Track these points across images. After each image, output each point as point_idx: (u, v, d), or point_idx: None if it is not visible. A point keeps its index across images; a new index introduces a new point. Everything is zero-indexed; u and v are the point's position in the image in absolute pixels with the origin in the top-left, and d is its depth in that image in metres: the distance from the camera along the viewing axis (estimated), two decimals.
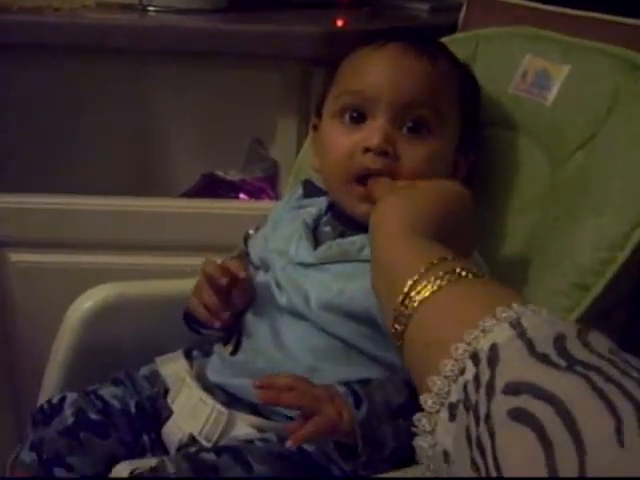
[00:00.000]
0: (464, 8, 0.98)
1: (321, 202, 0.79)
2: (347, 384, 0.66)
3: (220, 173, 1.14)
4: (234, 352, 0.77)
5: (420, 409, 0.57)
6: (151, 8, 1.08)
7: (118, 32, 1.00)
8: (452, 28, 0.98)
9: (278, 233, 0.80)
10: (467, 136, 0.77)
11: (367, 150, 0.71)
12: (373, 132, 0.71)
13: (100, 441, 0.75)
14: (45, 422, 0.77)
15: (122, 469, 0.74)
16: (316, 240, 0.76)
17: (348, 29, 1.19)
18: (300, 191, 0.83)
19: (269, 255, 0.78)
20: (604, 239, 0.65)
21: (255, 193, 1.14)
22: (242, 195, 1.14)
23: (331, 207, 0.78)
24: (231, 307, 0.76)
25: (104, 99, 1.04)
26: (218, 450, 0.68)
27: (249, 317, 0.77)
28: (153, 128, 1.15)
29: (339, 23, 1.23)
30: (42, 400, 0.81)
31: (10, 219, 1.02)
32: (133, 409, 0.78)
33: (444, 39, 0.91)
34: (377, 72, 0.72)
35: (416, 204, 0.59)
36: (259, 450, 0.67)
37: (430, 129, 0.73)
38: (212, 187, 1.15)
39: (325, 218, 0.78)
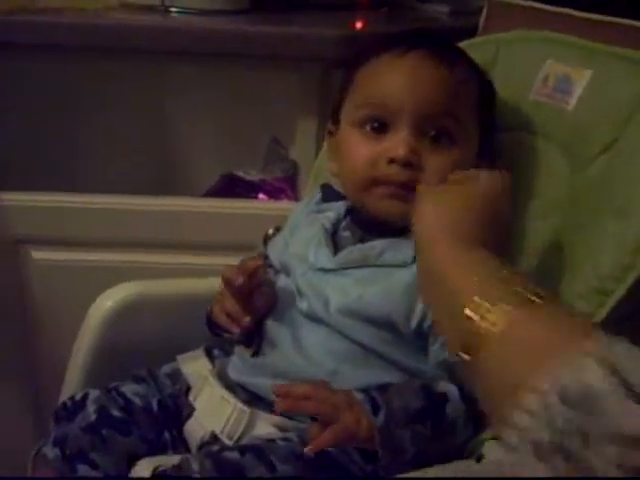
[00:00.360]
0: (484, 12, 0.98)
1: (340, 206, 0.80)
2: (365, 390, 0.67)
3: (240, 173, 1.16)
4: (255, 354, 0.78)
5: (440, 413, 0.57)
6: (173, 9, 1.09)
7: (140, 33, 1.02)
8: (472, 31, 0.98)
9: (297, 237, 0.81)
10: (485, 141, 0.78)
11: (392, 161, 0.72)
12: (398, 143, 0.72)
13: (122, 438, 0.76)
14: (68, 418, 0.78)
15: (144, 466, 0.75)
16: (335, 245, 0.77)
17: (367, 31, 1.20)
18: (319, 195, 0.84)
19: (289, 260, 0.79)
20: (625, 244, 0.65)
21: (275, 193, 1.15)
22: (261, 195, 1.15)
23: (350, 212, 0.79)
24: (253, 312, 0.77)
25: (127, 100, 1.05)
26: (241, 449, 0.69)
27: (270, 321, 0.78)
28: (174, 128, 1.17)
29: (358, 25, 1.24)
30: (64, 397, 0.82)
31: (32, 217, 1.04)
32: (155, 406, 0.79)
33: (463, 43, 0.91)
34: (398, 83, 0.73)
35: (457, 205, 0.59)
36: (281, 449, 0.68)
37: (452, 138, 0.73)
38: (231, 187, 1.16)
39: (344, 223, 0.79)
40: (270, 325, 0.78)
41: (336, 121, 0.79)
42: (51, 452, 0.77)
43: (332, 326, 0.73)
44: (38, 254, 1.06)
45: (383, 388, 0.68)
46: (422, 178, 0.71)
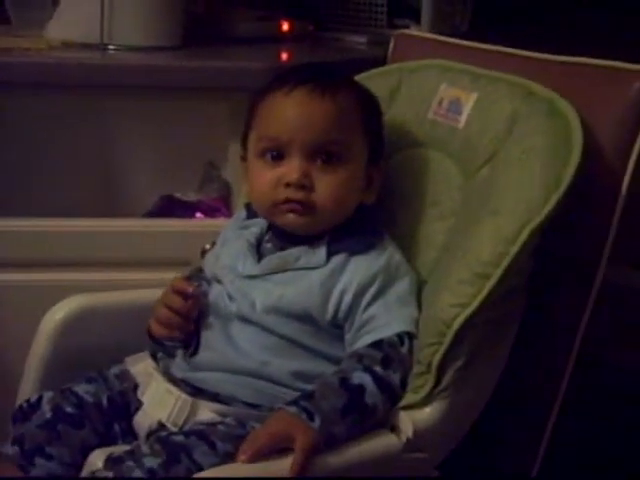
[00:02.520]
0: (391, 44, 1.09)
1: (262, 222, 0.90)
2: (295, 402, 0.75)
3: (178, 195, 1.23)
4: (194, 354, 0.88)
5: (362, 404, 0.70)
6: (111, 46, 1.16)
7: (81, 69, 1.09)
8: (386, 60, 1.09)
9: (226, 251, 0.91)
10: (375, 149, 0.88)
11: (288, 185, 0.82)
12: (291, 170, 0.82)
13: (76, 431, 0.83)
14: (24, 419, 0.85)
15: (97, 456, 0.82)
16: (260, 255, 0.87)
17: (291, 62, 1.30)
18: (244, 213, 0.93)
19: (220, 271, 0.89)
20: (500, 236, 0.76)
21: (211, 212, 1.23)
22: (199, 214, 1.23)
23: (270, 226, 0.89)
24: (188, 321, 0.88)
25: (71, 131, 1.11)
26: (186, 433, 0.77)
27: (206, 324, 0.88)
28: (116, 156, 1.23)
29: (283, 57, 1.35)
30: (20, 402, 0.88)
31: None
32: (105, 402, 0.86)
33: (373, 71, 1.02)
34: (288, 119, 0.83)
35: None
36: (221, 431, 0.77)
37: (340, 158, 0.84)
38: (170, 208, 1.23)
39: (267, 236, 0.89)
40: (206, 328, 0.88)
41: (246, 149, 0.90)
42: (10, 450, 0.83)
43: (259, 324, 0.83)
44: None
45: (309, 396, 0.75)
46: (315, 196, 0.82)
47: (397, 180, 0.93)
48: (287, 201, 0.83)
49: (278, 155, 0.84)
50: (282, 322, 0.83)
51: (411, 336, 0.81)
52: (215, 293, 0.89)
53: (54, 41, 1.17)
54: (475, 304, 0.76)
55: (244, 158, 0.90)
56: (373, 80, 0.99)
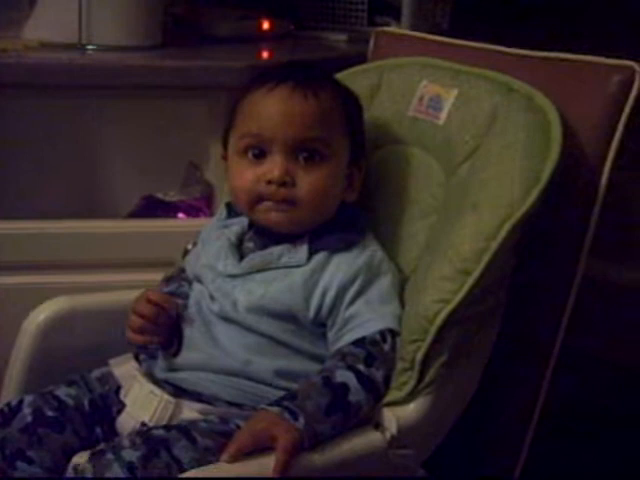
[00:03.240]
0: (371, 41, 1.09)
1: (243, 220, 0.89)
2: (277, 403, 0.74)
3: (159, 195, 1.23)
4: (176, 354, 0.87)
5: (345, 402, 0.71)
6: (90, 46, 1.16)
7: (59, 70, 1.08)
8: (366, 57, 1.09)
9: (207, 250, 0.90)
10: (356, 148, 0.88)
11: (269, 182, 0.82)
12: (273, 167, 0.82)
13: (57, 435, 0.83)
14: (5, 423, 0.84)
15: (79, 457, 0.80)
16: (241, 254, 0.87)
17: (272, 60, 1.30)
18: (224, 212, 0.93)
19: (201, 270, 0.89)
20: (480, 232, 0.77)
21: (193, 212, 1.23)
22: (181, 215, 1.23)
23: (252, 224, 0.88)
24: (160, 327, 0.86)
25: (52, 131, 1.11)
26: (167, 428, 0.77)
27: (187, 324, 0.87)
28: (97, 156, 1.23)
29: (264, 55, 1.35)
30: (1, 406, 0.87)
31: None
32: (87, 405, 0.86)
33: (354, 69, 1.02)
34: (270, 116, 0.83)
35: None
36: (203, 427, 0.77)
37: (322, 156, 0.84)
38: (152, 208, 1.23)
39: (248, 235, 0.88)
40: (188, 328, 0.87)
41: (226, 148, 0.89)
42: None
43: (241, 323, 0.83)
44: None
45: (292, 397, 0.75)
46: (296, 193, 0.82)
47: (378, 178, 0.93)
48: (268, 199, 0.83)
49: (260, 153, 0.84)
50: (264, 321, 0.82)
51: (394, 333, 0.81)
52: (196, 293, 0.89)
53: (31, 42, 1.16)
54: (457, 300, 0.76)
55: (225, 157, 0.90)
56: (353, 78, 0.99)
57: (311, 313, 0.82)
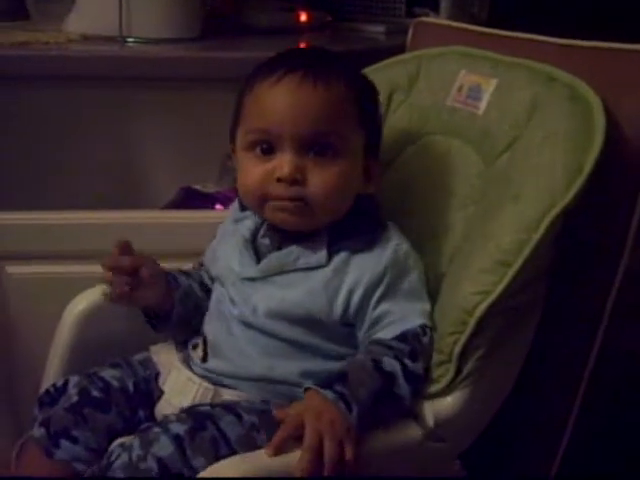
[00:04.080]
0: (410, 32, 1.09)
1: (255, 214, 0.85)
2: (331, 387, 0.72)
3: (197, 186, 1.24)
4: (204, 359, 0.86)
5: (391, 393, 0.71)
6: (130, 39, 1.17)
7: (100, 62, 1.10)
8: (405, 49, 1.08)
9: (223, 249, 0.88)
10: (372, 140, 0.83)
11: (279, 180, 0.77)
12: (282, 164, 0.77)
13: (102, 415, 0.83)
14: (51, 403, 0.86)
15: (123, 440, 0.80)
16: (256, 252, 0.83)
17: None
18: (237, 205, 0.89)
19: (220, 271, 0.86)
20: (522, 223, 0.75)
21: (229, 203, 1.23)
22: (218, 206, 1.24)
23: (264, 219, 0.84)
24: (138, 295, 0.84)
25: (92, 122, 1.12)
26: (212, 405, 0.77)
27: (211, 328, 0.86)
28: (136, 148, 1.24)
29: (301, 47, 1.35)
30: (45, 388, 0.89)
31: (7, 234, 1.09)
32: (131, 387, 0.86)
33: (392, 59, 1.02)
34: (278, 109, 0.77)
35: None
36: (246, 405, 0.78)
37: (335, 151, 0.78)
38: (190, 199, 1.24)
39: (262, 230, 0.84)
40: (211, 332, 0.86)
41: (234, 142, 0.84)
42: (37, 432, 0.84)
43: (262, 328, 0.81)
44: (12, 268, 1.12)
45: (343, 379, 0.73)
46: (308, 191, 0.77)
47: (415, 168, 0.93)
48: (277, 198, 0.78)
49: (268, 148, 0.78)
50: (285, 326, 0.80)
51: (429, 329, 0.80)
52: (217, 294, 0.87)
53: (73, 34, 1.18)
54: (497, 292, 0.75)
55: (234, 151, 0.85)
56: (391, 68, 0.99)
57: (336, 314, 0.79)
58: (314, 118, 0.77)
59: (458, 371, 0.77)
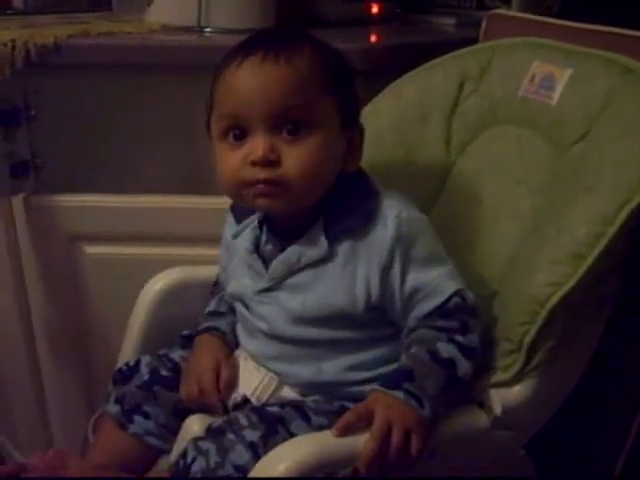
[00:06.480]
0: (484, 23, 1.09)
1: (252, 220, 0.84)
2: (398, 385, 0.72)
3: None
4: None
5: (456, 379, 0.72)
6: (207, 29, 1.20)
7: (179, 51, 1.13)
8: (475, 41, 1.08)
9: (232, 267, 0.87)
10: (348, 109, 0.79)
11: (254, 163, 0.74)
12: (255, 146, 0.74)
13: (170, 393, 0.87)
14: (124, 381, 0.90)
15: (194, 421, 0.85)
16: (263, 258, 0.82)
17: (381, 44, 1.31)
18: (231, 218, 0.87)
19: (236, 290, 0.86)
20: (597, 216, 0.75)
21: None
22: None
23: (262, 223, 0.83)
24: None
25: (168, 111, 1.15)
26: (280, 404, 0.78)
27: (246, 343, 0.86)
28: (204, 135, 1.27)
29: (372, 39, 1.35)
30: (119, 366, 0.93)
31: (85, 216, 1.13)
32: None
33: (465, 49, 1.03)
34: (243, 92, 0.75)
35: None
36: (313, 405, 0.79)
37: (308, 126, 0.75)
38: None
39: (263, 237, 0.83)
40: (251, 349, 0.85)
41: (210, 133, 0.81)
42: (113, 408, 0.89)
43: (292, 337, 0.80)
44: (90, 249, 1.16)
45: (409, 376, 0.72)
46: (285, 172, 0.74)
47: (485, 156, 0.93)
48: (255, 182, 0.75)
49: (241, 134, 0.76)
50: (313, 329, 0.79)
51: (463, 289, 0.77)
52: (242, 313, 0.86)
53: (154, 25, 1.21)
54: (571, 284, 0.74)
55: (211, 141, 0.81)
56: (462, 58, 0.99)
57: (360, 305, 0.78)
58: (280, 93, 0.74)
59: (527, 361, 0.78)
